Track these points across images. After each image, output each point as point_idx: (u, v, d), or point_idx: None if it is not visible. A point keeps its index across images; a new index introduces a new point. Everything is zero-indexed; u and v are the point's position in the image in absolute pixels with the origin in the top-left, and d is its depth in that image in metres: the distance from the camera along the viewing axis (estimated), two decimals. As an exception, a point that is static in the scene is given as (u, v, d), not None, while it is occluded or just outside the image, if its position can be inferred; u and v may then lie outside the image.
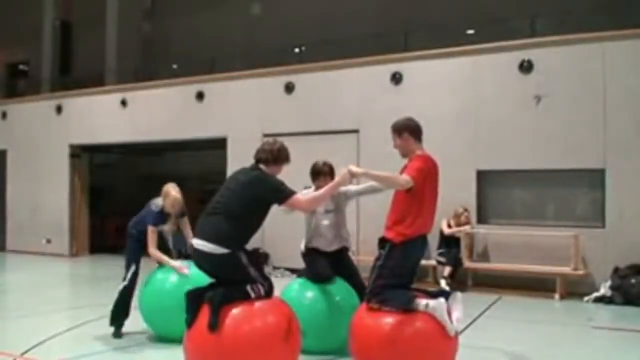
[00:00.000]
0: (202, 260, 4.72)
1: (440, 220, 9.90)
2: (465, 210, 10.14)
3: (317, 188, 5.89)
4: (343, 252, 6.19)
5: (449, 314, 4.62)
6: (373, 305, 4.76)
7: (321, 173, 6.02)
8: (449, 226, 10.13)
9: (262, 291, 4.62)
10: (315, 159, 6.20)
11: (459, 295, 4.76)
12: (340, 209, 6.10)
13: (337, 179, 4.91)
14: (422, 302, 4.63)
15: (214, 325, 4.38)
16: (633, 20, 9.91)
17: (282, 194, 4.69)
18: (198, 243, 4.65)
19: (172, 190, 6.52)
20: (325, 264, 5.98)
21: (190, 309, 4.60)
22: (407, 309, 4.63)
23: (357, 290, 5.92)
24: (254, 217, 4.73)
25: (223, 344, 4.37)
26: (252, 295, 4.57)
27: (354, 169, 4.78)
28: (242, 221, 4.64)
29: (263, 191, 4.69)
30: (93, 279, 12.64)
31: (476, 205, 10.37)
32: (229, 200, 4.70)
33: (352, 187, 5.98)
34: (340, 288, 5.97)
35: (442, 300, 4.64)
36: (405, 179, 4.68)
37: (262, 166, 4.87)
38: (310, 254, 6.12)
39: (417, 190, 4.72)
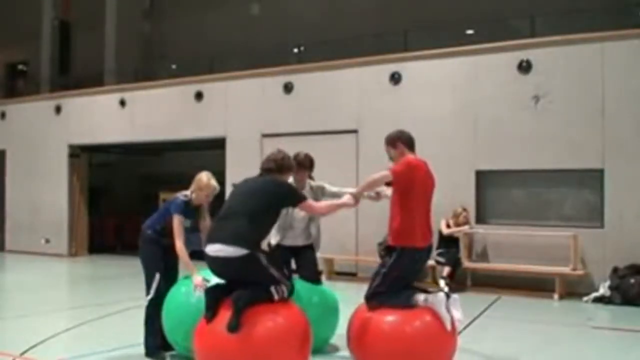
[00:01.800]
0: (220, 266, 4.66)
1: (439, 221, 9.91)
2: (464, 210, 10.15)
3: (295, 180, 5.92)
4: (308, 248, 6.20)
5: (449, 312, 4.66)
6: (372, 304, 4.83)
7: (302, 165, 5.97)
8: (448, 226, 10.13)
9: (285, 292, 4.63)
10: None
11: (456, 297, 4.81)
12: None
13: (342, 200, 5.16)
14: (421, 296, 4.73)
15: (235, 327, 4.34)
16: (632, 21, 9.92)
17: (298, 197, 4.94)
18: (214, 249, 4.59)
19: (209, 178, 5.74)
20: (284, 268, 5.98)
21: (210, 306, 4.57)
22: (407, 305, 4.71)
23: (307, 280, 6.02)
24: (268, 218, 4.79)
25: (237, 345, 4.33)
26: (276, 296, 4.56)
27: (354, 192, 5.11)
28: (258, 221, 4.66)
29: (280, 192, 4.85)
30: (92, 278, 12.63)
31: (475, 206, 10.37)
32: (244, 203, 4.72)
33: (331, 187, 6.01)
34: (316, 289, 6.01)
35: (440, 294, 4.71)
36: (383, 173, 4.91)
37: (268, 176, 4.96)
38: (276, 252, 6.09)
39: (409, 195, 4.82)
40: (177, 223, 5.58)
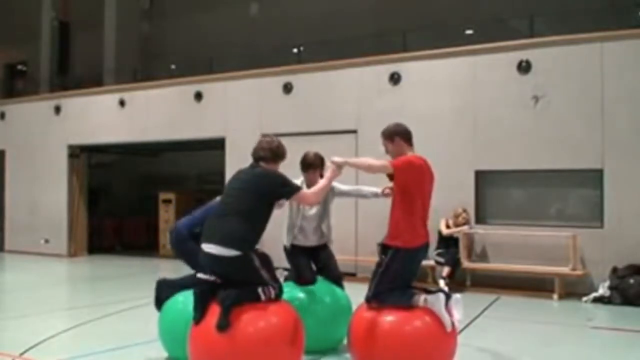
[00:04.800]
0: (213, 263, 4.65)
1: (439, 221, 9.91)
2: (464, 210, 10.15)
3: (307, 180, 5.93)
4: (325, 247, 6.20)
5: (449, 313, 4.66)
6: (373, 305, 4.82)
7: (312, 165, 5.96)
8: (448, 226, 10.14)
9: (272, 294, 4.60)
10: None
11: (458, 297, 4.79)
12: (326, 202, 6.06)
13: (328, 174, 4.98)
14: (421, 297, 4.71)
15: (224, 326, 4.34)
16: (631, 21, 9.92)
17: (290, 188, 4.78)
18: (208, 247, 4.60)
19: None
20: (308, 269, 6.01)
21: (198, 307, 4.56)
22: (407, 305, 4.69)
23: (332, 281, 6.04)
24: (262, 214, 4.71)
25: (229, 345, 4.34)
26: (263, 297, 4.55)
27: (336, 159, 4.90)
28: (251, 219, 4.62)
29: (271, 186, 4.73)
30: (91, 279, 12.64)
31: (475, 206, 10.37)
32: (237, 200, 4.68)
33: (341, 186, 5.98)
34: (329, 290, 6.01)
35: (440, 295, 4.69)
36: (383, 163, 4.78)
37: (262, 164, 4.87)
38: (294, 252, 6.11)
39: (408, 195, 4.77)
40: None
